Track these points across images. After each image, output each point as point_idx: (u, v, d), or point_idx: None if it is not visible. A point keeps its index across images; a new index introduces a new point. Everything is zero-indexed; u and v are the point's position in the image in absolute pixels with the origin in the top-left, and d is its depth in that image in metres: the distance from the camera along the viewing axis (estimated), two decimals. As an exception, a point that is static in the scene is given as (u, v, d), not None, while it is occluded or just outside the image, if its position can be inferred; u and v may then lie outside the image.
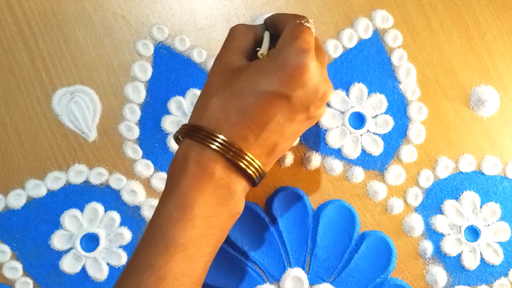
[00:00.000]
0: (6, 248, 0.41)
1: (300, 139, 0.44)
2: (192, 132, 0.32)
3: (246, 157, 0.31)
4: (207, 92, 0.33)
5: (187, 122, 0.34)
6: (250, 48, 0.36)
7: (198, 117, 0.33)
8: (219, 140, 0.31)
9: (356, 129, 0.45)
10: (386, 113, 0.45)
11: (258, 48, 0.36)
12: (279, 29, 0.35)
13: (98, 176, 0.42)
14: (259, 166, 0.32)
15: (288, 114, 0.32)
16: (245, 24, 0.37)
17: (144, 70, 0.44)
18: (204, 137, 0.31)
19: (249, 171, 0.32)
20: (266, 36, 0.37)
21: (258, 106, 0.31)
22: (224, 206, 0.32)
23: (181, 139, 0.33)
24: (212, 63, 0.44)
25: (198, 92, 0.44)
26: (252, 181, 0.33)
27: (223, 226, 0.32)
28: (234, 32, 0.36)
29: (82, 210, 0.42)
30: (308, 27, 0.34)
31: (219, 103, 0.32)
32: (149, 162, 0.43)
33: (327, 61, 0.45)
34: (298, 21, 0.34)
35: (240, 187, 0.32)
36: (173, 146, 0.43)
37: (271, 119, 0.32)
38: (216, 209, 0.31)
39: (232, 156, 0.31)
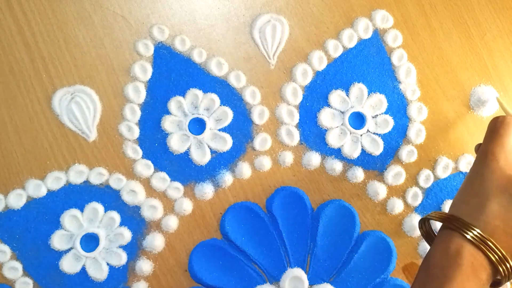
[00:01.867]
0: (6, 248, 0.41)
1: (300, 139, 0.45)
2: (467, 231, 0.32)
3: (507, 263, 0.31)
4: (484, 191, 0.32)
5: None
6: None
7: (471, 216, 0.32)
8: (494, 249, 0.31)
9: (356, 129, 0.45)
10: (386, 113, 0.45)
11: None
12: None
13: (98, 176, 0.42)
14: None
15: None
16: (509, 117, 0.35)
17: (144, 70, 0.44)
18: (479, 241, 0.31)
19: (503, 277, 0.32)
20: None
21: None
22: None
23: (427, 224, 0.34)
24: (212, 63, 0.44)
25: (198, 92, 0.44)
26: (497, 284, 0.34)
27: None
28: (505, 125, 0.34)
29: (82, 210, 0.42)
30: None
31: (499, 210, 0.31)
32: (149, 162, 0.43)
33: (327, 61, 0.45)
34: None
35: None
36: (173, 146, 0.43)
37: None
38: None
39: (503, 270, 0.31)
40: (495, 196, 0.32)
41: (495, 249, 0.31)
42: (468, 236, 0.31)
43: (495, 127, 0.35)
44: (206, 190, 0.43)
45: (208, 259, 0.42)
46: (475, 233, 0.31)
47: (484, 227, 0.31)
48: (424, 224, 0.36)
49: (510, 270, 0.31)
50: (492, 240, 0.31)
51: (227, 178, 0.43)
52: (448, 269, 0.31)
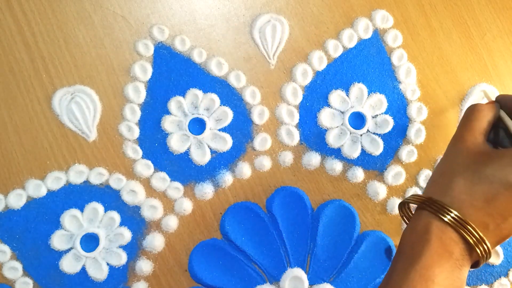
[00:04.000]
0: (6, 248, 0.41)
1: (300, 139, 0.45)
2: (435, 207, 0.33)
3: (484, 245, 0.32)
4: (452, 169, 0.34)
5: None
6: (488, 129, 0.36)
7: (439, 193, 0.33)
8: (462, 223, 0.32)
9: (356, 129, 0.45)
10: (386, 113, 0.45)
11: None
12: None
13: (98, 176, 0.42)
14: (488, 250, 0.32)
15: None
16: (482, 103, 0.37)
17: (144, 70, 0.44)
18: (447, 216, 0.32)
19: (480, 255, 0.32)
20: (510, 123, 0.36)
21: (507, 198, 0.32)
22: (456, 287, 0.32)
23: (407, 208, 0.35)
24: (212, 63, 0.44)
25: (198, 92, 0.44)
26: (476, 265, 0.34)
27: None
28: (475, 111, 0.36)
29: (82, 210, 0.42)
30: None
31: (465, 185, 0.33)
32: (149, 162, 0.43)
33: (327, 61, 0.45)
34: None
35: (467, 270, 0.33)
36: (173, 146, 0.43)
37: None
38: (450, 285, 0.32)
39: (472, 240, 0.32)
40: (460, 173, 0.33)
41: (472, 231, 0.31)
42: (446, 219, 0.32)
43: (467, 113, 0.37)
44: (206, 190, 0.43)
45: (208, 259, 0.42)
46: (452, 215, 0.32)
47: (451, 201, 0.32)
48: (404, 207, 0.37)
49: (487, 250, 0.32)
50: (469, 223, 0.32)
51: (227, 178, 0.43)
52: (417, 245, 0.32)
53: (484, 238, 0.32)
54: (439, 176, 0.35)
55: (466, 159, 0.34)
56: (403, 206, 0.37)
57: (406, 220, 0.37)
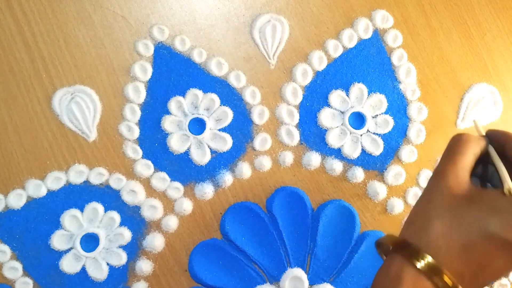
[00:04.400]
0: (6, 248, 0.41)
1: (300, 139, 0.44)
2: (409, 252, 0.30)
3: None
4: (430, 210, 0.31)
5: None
6: (473, 165, 0.33)
7: (415, 237, 0.31)
8: (437, 271, 0.29)
9: (356, 129, 0.45)
10: (386, 113, 0.45)
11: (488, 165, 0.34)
12: (508, 152, 0.33)
13: (98, 176, 0.42)
14: None
15: (510, 262, 0.30)
16: (469, 135, 0.34)
17: (144, 70, 0.44)
18: (421, 262, 0.30)
19: None
20: (500, 164, 0.32)
21: (485, 248, 0.30)
22: None
23: (386, 248, 0.32)
24: (212, 63, 0.44)
25: (198, 92, 0.44)
26: None
27: None
28: (462, 145, 0.33)
29: (82, 210, 0.42)
30: None
31: (442, 230, 0.30)
32: (149, 162, 0.43)
33: (327, 61, 0.45)
34: None
35: None
36: (173, 146, 0.43)
37: (492, 263, 0.30)
38: None
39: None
40: (439, 216, 0.31)
41: (447, 280, 0.29)
42: (418, 266, 0.30)
43: (452, 144, 0.34)
44: (206, 190, 0.43)
45: (208, 259, 0.42)
46: (426, 261, 0.30)
47: (427, 246, 0.30)
48: (381, 246, 0.34)
49: None
50: (444, 271, 0.29)
51: (227, 178, 0.43)
52: None
53: (457, 285, 0.29)
54: (416, 216, 0.32)
55: (446, 200, 0.31)
56: (380, 245, 0.34)
57: (385, 257, 0.34)
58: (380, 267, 0.32)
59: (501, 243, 0.30)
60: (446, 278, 0.29)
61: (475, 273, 0.30)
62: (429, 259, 0.30)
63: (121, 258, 0.42)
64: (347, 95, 0.45)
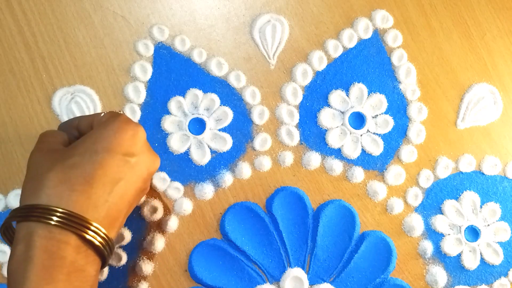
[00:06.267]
0: (6, 248, 0.41)
1: (300, 139, 0.44)
2: (30, 213, 0.28)
3: (91, 227, 0.28)
4: (39, 172, 0.30)
5: None
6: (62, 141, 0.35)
7: (33, 196, 0.29)
8: (66, 215, 0.28)
9: (356, 129, 0.45)
10: (386, 113, 0.45)
11: None
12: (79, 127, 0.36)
13: (98, 176, 0.42)
14: (105, 235, 0.29)
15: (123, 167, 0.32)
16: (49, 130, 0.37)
17: (144, 70, 0.44)
18: (50, 216, 0.27)
19: (96, 242, 0.29)
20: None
21: (102, 164, 0.31)
22: None
23: (10, 228, 0.30)
24: (212, 63, 0.44)
25: (198, 92, 0.44)
26: (102, 257, 0.30)
27: None
28: (43, 135, 0.35)
29: (82, 210, 0.42)
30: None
31: (58, 176, 0.29)
32: (149, 162, 0.43)
33: (327, 61, 0.45)
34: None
35: (94, 267, 0.29)
36: (173, 146, 0.43)
37: (113, 174, 0.31)
38: None
39: (76, 229, 0.28)
40: (50, 169, 0.30)
41: (76, 218, 0.28)
42: (53, 222, 0.27)
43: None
44: (206, 190, 0.43)
45: (208, 259, 0.42)
46: (56, 213, 0.27)
47: (49, 199, 0.28)
48: (8, 231, 0.31)
49: (102, 235, 0.29)
50: (76, 213, 0.28)
51: (227, 178, 0.43)
52: (19, 271, 0.27)
53: (89, 220, 0.28)
54: (27, 182, 0.31)
55: (49, 157, 0.31)
56: (6, 229, 0.31)
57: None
58: (10, 253, 0.29)
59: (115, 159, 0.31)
60: (75, 216, 0.28)
61: (106, 199, 0.30)
62: (53, 207, 0.28)
63: (121, 258, 0.42)
64: (347, 95, 0.45)
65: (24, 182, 0.32)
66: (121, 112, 0.37)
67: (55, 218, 0.27)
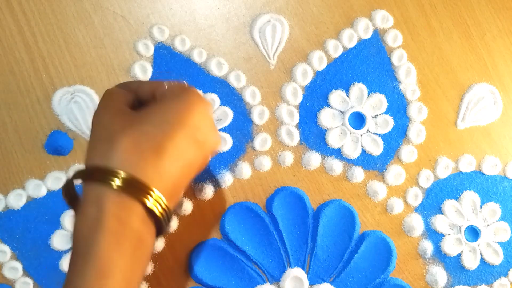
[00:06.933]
0: (6, 248, 0.41)
1: (300, 139, 0.44)
2: (102, 175, 0.28)
3: (155, 196, 0.28)
4: (109, 133, 0.30)
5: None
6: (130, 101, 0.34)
7: (102, 158, 0.29)
8: (135, 182, 0.28)
9: (356, 129, 0.45)
10: (386, 113, 0.45)
11: None
12: (141, 94, 0.34)
13: (98, 176, 0.42)
14: (166, 206, 0.29)
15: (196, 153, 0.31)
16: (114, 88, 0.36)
17: (144, 70, 0.44)
18: (117, 180, 0.27)
19: (157, 212, 0.28)
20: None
21: (179, 138, 0.30)
22: (143, 264, 0.29)
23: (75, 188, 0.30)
24: (212, 63, 0.44)
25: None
26: (158, 230, 0.30)
27: (140, 280, 0.29)
28: (110, 91, 0.34)
29: (82, 210, 0.42)
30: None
31: (129, 142, 0.29)
32: (149, 162, 0.43)
33: (327, 61, 0.45)
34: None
35: (152, 238, 0.29)
36: (173, 146, 0.43)
37: (183, 154, 0.30)
38: (135, 267, 0.28)
39: (141, 196, 0.28)
40: (122, 132, 0.29)
41: (146, 188, 0.28)
42: (116, 186, 0.27)
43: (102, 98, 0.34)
44: (206, 190, 0.43)
45: (208, 259, 0.42)
46: (123, 176, 0.27)
47: (119, 163, 0.28)
48: (69, 191, 0.30)
49: (167, 211, 0.29)
50: (143, 181, 0.28)
51: (227, 178, 0.43)
52: (91, 233, 0.27)
53: (157, 192, 0.28)
54: (96, 142, 0.30)
55: (124, 120, 0.30)
56: (68, 189, 0.30)
57: (72, 204, 0.30)
58: (76, 214, 0.29)
59: (190, 138, 0.30)
60: (144, 186, 0.28)
61: (172, 174, 0.29)
62: (123, 173, 0.27)
63: (121, 258, 0.42)
64: (347, 95, 0.45)
65: (91, 141, 0.31)
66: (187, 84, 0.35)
67: (123, 183, 0.27)
